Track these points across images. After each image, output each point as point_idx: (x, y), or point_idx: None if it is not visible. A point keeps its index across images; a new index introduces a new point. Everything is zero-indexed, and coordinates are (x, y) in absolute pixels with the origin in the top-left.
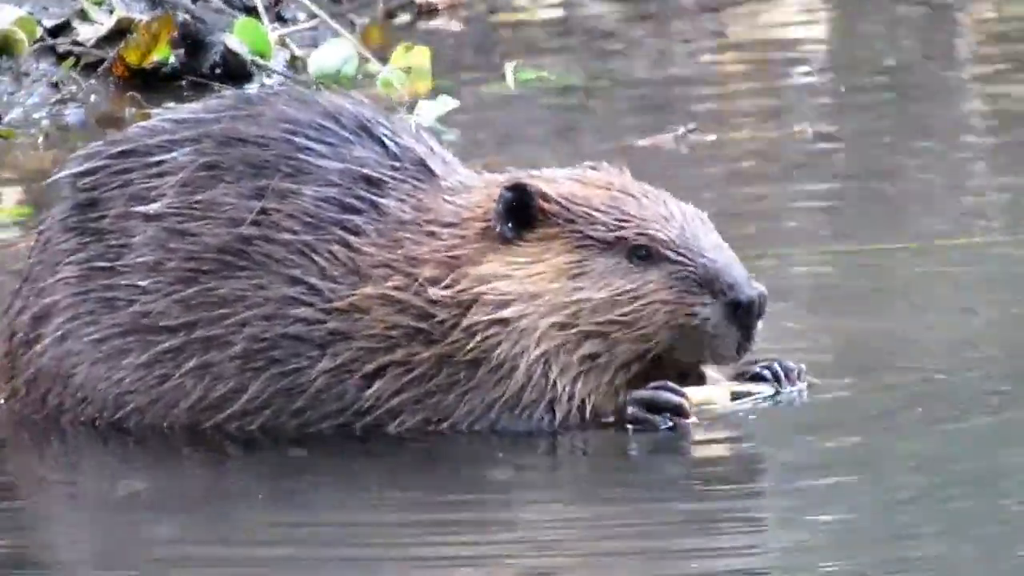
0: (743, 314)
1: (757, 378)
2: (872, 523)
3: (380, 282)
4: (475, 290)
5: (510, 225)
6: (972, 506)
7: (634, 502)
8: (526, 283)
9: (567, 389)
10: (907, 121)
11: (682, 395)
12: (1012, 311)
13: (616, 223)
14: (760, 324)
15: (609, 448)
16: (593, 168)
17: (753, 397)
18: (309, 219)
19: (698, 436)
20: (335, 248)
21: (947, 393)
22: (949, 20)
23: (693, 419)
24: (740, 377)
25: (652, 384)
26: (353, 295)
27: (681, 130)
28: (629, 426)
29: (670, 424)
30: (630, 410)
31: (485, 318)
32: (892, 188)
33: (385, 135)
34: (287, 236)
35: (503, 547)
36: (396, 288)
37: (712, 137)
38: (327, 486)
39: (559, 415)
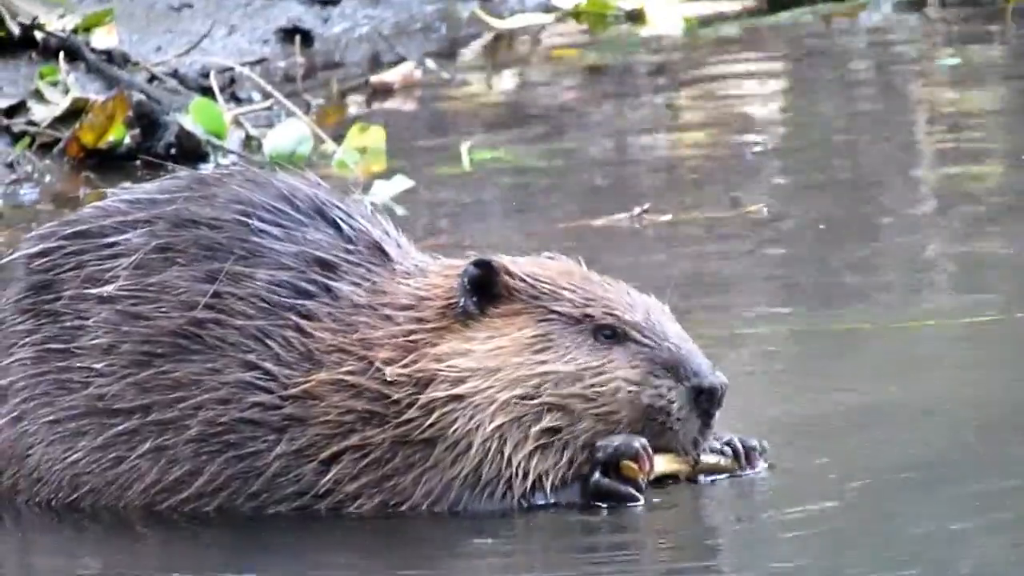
0: (705, 400)
1: (718, 452)
2: None
3: (334, 368)
4: (433, 367)
5: (474, 300)
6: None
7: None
8: (486, 359)
9: (523, 466)
10: (862, 201)
11: (648, 461)
12: (964, 387)
13: (583, 301)
14: (718, 415)
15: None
16: (551, 258)
17: (714, 475)
18: (263, 303)
19: (657, 509)
20: (288, 333)
21: (904, 465)
22: (906, 104)
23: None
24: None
25: (619, 443)
26: (307, 381)
27: (636, 210)
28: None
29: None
30: (596, 478)
31: (442, 395)
32: (847, 267)
33: (340, 218)
34: (241, 321)
35: None
36: (350, 373)
37: (667, 217)
38: (282, 567)
39: (517, 493)
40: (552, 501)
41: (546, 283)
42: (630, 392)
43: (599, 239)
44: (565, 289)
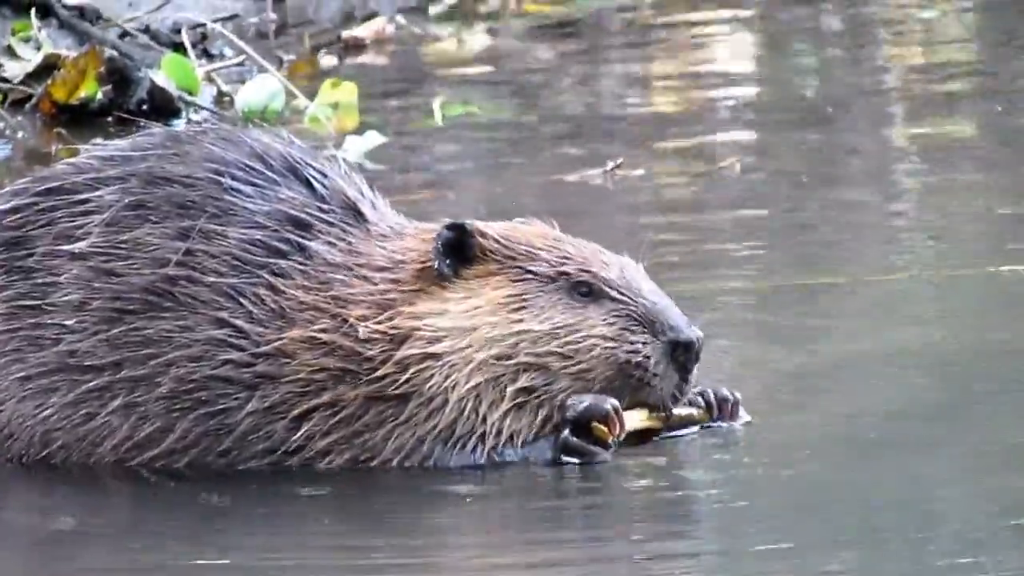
0: (682, 354)
1: (691, 404)
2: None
3: (306, 325)
4: (409, 325)
5: (448, 262)
6: (898, 544)
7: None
8: (462, 318)
9: (497, 424)
10: (834, 156)
11: (618, 423)
12: (941, 344)
13: (558, 260)
14: (696, 369)
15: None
16: (523, 222)
17: (687, 427)
18: (235, 261)
19: (631, 470)
20: (261, 291)
21: (875, 428)
22: (877, 60)
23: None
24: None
25: (589, 403)
26: (279, 339)
27: (609, 165)
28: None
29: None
30: (565, 435)
31: (418, 352)
32: (819, 223)
33: (313, 176)
34: (213, 278)
35: None
36: (323, 331)
37: (640, 172)
38: (254, 522)
39: (488, 448)
40: (523, 456)
41: (520, 244)
42: (606, 349)
43: (573, 193)
44: (540, 249)
